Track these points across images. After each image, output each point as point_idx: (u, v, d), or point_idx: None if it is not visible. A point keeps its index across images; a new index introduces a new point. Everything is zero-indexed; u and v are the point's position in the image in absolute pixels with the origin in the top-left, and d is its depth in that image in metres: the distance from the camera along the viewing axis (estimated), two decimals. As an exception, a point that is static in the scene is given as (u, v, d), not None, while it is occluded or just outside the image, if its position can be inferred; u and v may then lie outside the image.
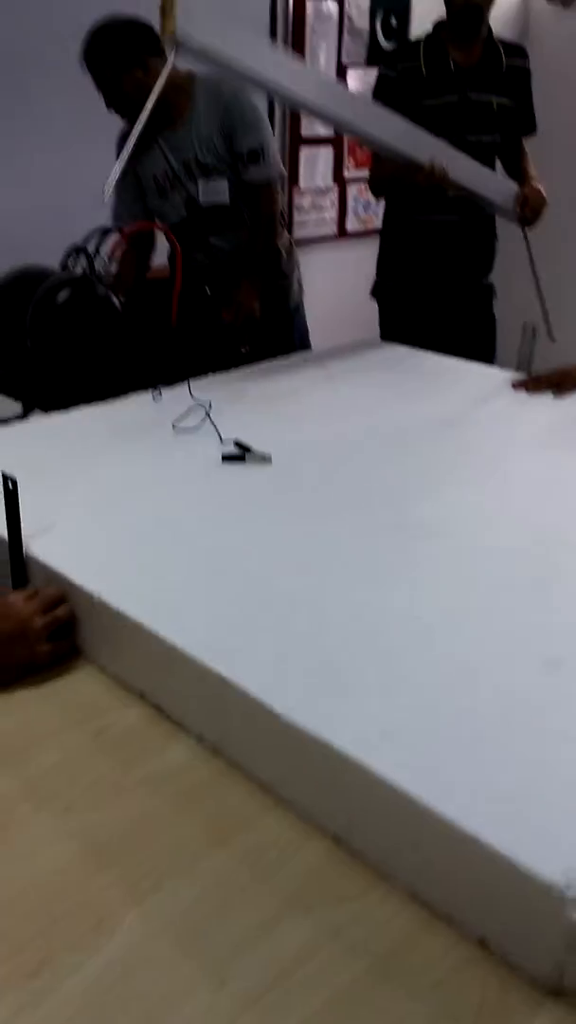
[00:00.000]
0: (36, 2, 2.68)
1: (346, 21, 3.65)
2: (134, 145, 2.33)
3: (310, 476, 1.33)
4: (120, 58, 2.09)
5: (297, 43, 3.51)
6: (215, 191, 2.29)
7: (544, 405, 1.65)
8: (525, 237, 2.25)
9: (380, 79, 2.32)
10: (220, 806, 0.82)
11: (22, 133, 2.75)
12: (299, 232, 3.72)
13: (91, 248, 1.52)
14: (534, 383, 1.72)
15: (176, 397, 1.60)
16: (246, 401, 1.66)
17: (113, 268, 1.53)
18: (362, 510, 1.21)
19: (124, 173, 2.40)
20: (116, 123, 2.24)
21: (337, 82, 2.09)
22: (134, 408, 1.60)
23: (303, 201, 3.74)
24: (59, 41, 2.35)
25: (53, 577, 1.05)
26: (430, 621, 0.95)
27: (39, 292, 1.52)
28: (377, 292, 2.55)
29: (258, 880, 0.74)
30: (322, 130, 3.54)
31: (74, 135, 2.79)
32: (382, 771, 0.72)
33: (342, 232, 3.83)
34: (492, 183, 2.16)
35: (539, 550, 1.09)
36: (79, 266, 1.53)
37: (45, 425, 1.56)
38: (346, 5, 3.63)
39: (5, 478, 1.06)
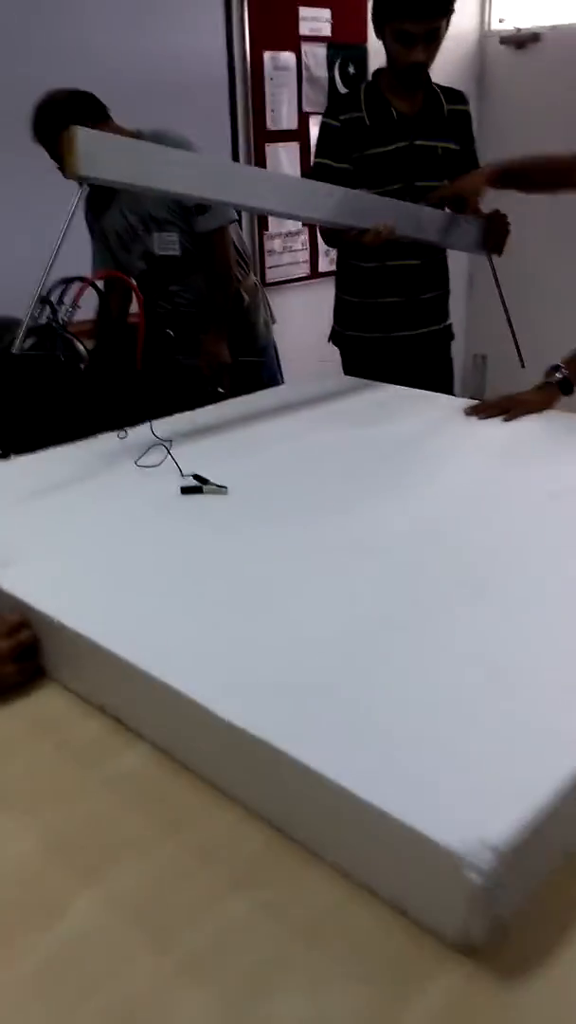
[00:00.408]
0: None
1: (304, 70, 3.82)
2: (97, 205, 2.48)
3: (263, 502, 1.42)
4: (74, 117, 2.23)
5: (256, 93, 3.68)
6: (167, 243, 2.44)
7: (492, 427, 1.75)
8: (492, 266, 2.27)
9: (324, 129, 2.33)
10: (172, 803, 0.89)
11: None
12: (272, 275, 3.86)
13: (55, 297, 1.62)
14: (485, 408, 1.82)
15: (142, 436, 1.69)
16: (208, 437, 1.75)
17: (73, 316, 1.63)
18: (305, 528, 1.30)
19: (92, 230, 2.55)
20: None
21: (265, 172, 2.07)
22: (100, 447, 1.69)
23: (274, 245, 3.89)
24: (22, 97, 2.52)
25: (17, 604, 1.13)
26: (364, 628, 1.03)
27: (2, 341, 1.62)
28: (336, 339, 2.57)
29: (203, 865, 0.81)
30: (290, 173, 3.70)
31: (47, 188, 2.92)
32: (311, 763, 0.79)
33: (314, 272, 3.97)
34: (452, 224, 2.15)
35: (468, 560, 1.18)
36: (44, 315, 1.63)
37: (13, 465, 1.64)
38: (303, 55, 3.80)
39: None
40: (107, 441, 1.73)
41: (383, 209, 1.97)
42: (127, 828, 0.86)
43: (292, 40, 3.75)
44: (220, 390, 2.36)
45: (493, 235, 2.22)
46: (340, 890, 0.78)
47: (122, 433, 1.75)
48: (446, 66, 4.37)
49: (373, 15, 2.20)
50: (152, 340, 2.03)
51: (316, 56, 3.85)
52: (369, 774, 0.77)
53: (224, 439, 1.74)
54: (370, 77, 2.41)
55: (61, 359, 1.71)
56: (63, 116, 2.21)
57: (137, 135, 2.38)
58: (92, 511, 1.41)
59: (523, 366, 2.09)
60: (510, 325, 2.17)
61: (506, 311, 2.18)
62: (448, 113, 2.34)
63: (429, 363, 2.45)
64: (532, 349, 2.10)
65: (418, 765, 0.79)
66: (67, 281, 1.65)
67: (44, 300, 1.61)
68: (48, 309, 1.62)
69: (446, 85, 2.39)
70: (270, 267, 3.83)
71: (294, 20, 3.71)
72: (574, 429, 1.70)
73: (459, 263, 2.46)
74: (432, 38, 2.15)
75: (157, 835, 0.85)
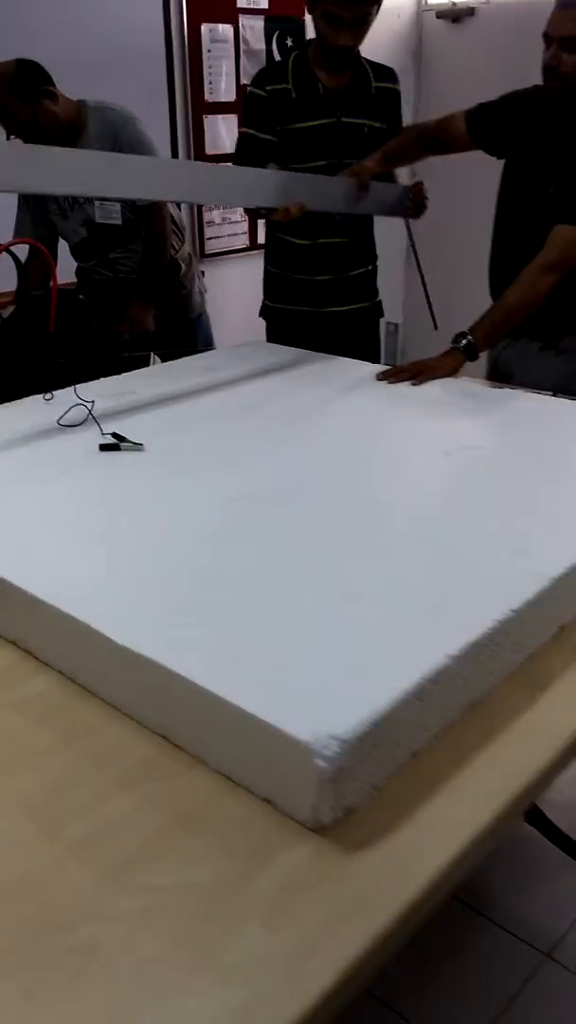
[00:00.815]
0: None
1: (242, 43, 3.86)
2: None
3: (174, 457, 1.51)
4: (31, 95, 2.30)
5: (194, 66, 3.72)
6: (108, 212, 2.49)
7: (400, 390, 1.85)
8: (408, 229, 2.33)
9: (249, 98, 2.33)
10: (72, 720, 0.99)
11: None
12: (212, 246, 3.91)
13: None
14: (395, 373, 1.92)
15: (67, 399, 1.77)
16: (129, 398, 1.83)
17: None
18: (208, 478, 1.40)
19: (26, 197, 2.59)
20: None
21: (162, 160, 2.08)
22: (25, 410, 1.77)
23: (213, 216, 3.94)
24: None
25: None
26: (244, 560, 1.13)
27: None
28: (264, 313, 2.60)
29: (97, 769, 0.91)
30: (229, 146, 3.75)
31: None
32: (189, 675, 0.90)
33: (253, 244, 4.03)
34: (377, 193, 2.16)
35: (353, 507, 1.29)
36: None
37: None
38: (240, 27, 3.84)
39: None
40: (33, 402, 1.80)
41: (297, 185, 1.97)
42: (31, 741, 0.96)
43: (230, 12, 3.79)
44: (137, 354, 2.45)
45: (412, 201, 2.26)
46: (216, 786, 0.88)
47: (48, 396, 1.83)
48: (383, 40, 4.49)
49: None
50: (68, 306, 2.10)
51: (254, 28, 3.89)
52: (237, 682, 0.88)
53: (146, 401, 1.82)
54: (297, 49, 2.38)
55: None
56: (24, 84, 2.29)
57: (80, 105, 2.44)
58: (12, 465, 1.49)
59: (436, 327, 2.18)
60: (424, 288, 2.25)
61: (421, 274, 2.26)
62: (376, 91, 2.34)
63: (356, 339, 2.47)
64: (443, 316, 2.20)
65: (280, 674, 0.90)
66: None
67: None
68: None
69: (377, 62, 2.39)
70: (209, 238, 3.89)
71: (231, -8, 3.74)
72: (473, 393, 1.82)
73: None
74: (360, 23, 2.16)
75: (57, 746, 0.95)
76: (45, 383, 1.79)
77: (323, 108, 2.29)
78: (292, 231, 2.36)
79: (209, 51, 3.79)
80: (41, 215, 2.60)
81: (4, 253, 1.76)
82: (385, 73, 2.39)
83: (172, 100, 3.67)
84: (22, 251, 2.30)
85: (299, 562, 1.13)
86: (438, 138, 2.13)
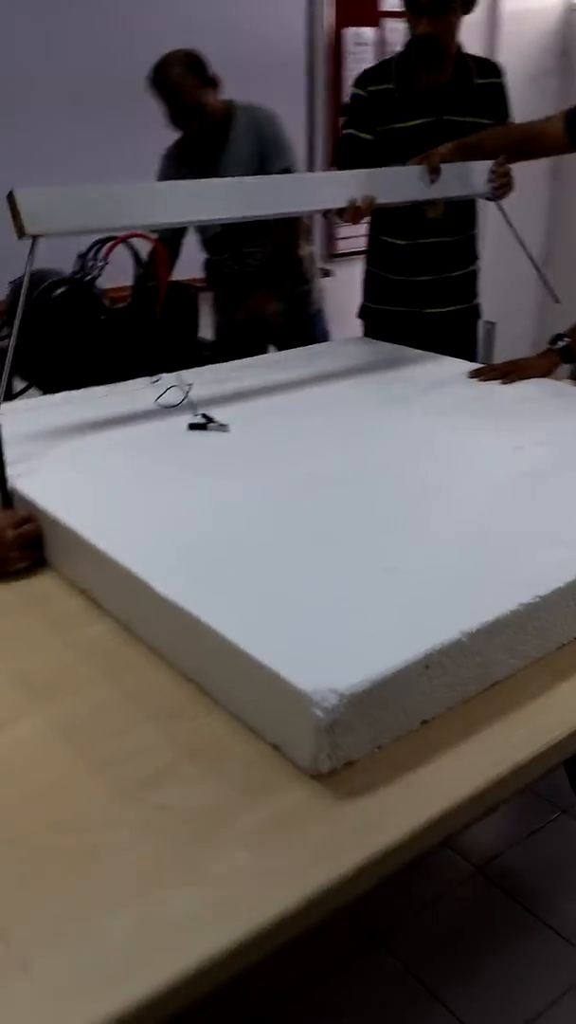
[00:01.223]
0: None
1: (384, 45, 3.91)
2: (181, 162, 2.65)
3: (257, 439, 1.59)
4: (201, 80, 2.47)
5: (335, 69, 3.80)
6: None
7: (491, 388, 1.87)
8: (502, 210, 2.20)
9: (352, 99, 2.30)
10: (120, 663, 1.09)
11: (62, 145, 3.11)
12: (342, 246, 3.99)
13: (91, 254, 1.85)
14: (487, 371, 1.94)
15: (171, 382, 1.89)
16: (230, 384, 1.93)
17: (102, 270, 1.84)
18: (284, 461, 1.47)
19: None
20: (136, 143, 2.62)
21: (215, 181, 1.90)
22: (131, 389, 1.90)
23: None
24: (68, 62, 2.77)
25: (27, 503, 1.34)
26: (299, 537, 1.20)
27: (39, 288, 1.85)
28: (363, 314, 2.59)
29: (132, 703, 1.00)
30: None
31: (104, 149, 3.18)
32: (215, 624, 0.98)
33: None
34: (461, 173, 2.07)
35: (412, 491, 1.33)
36: (83, 270, 1.85)
37: (54, 398, 1.87)
38: (383, 29, 3.89)
39: (-6, 425, 1.36)
40: (139, 385, 1.93)
41: (363, 180, 1.92)
42: (81, 676, 1.06)
43: (373, 15, 3.85)
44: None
45: (495, 181, 2.11)
46: (232, 729, 0.96)
47: (155, 378, 1.95)
48: (529, 39, 4.43)
49: None
50: (178, 298, 2.22)
51: (397, 29, 3.93)
52: (257, 635, 0.95)
53: (245, 388, 1.92)
54: (403, 48, 2.29)
55: (101, 303, 1.94)
56: (196, 69, 2.45)
57: (229, 103, 2.58)
58: (106, 437, 1.61)
59: (557, 301, 2.08)
60: (533, 263, 2.15)
61: (525, 249, 2.15)
62: (478, 87, 2.27)
63: (453, 340, 2.41)
64: (541, 319, 2.17)
65: (299, 631, 0.97)
66: (102, 242, 1.86)
67: (83, 255, 1.83)
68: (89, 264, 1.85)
69: (481, 56, 2.33)
70: (339, 238, 3.97)
71: (377, -4, 3.80)
72: (563, 392, 1.81)
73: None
74: (438, 10, 2.08)
75: (101, 682, 1.05)
76: (153, 368, 1.92)
77: (424, 107, 2.24)
78: (392, 232, 2.37)
79: (352, 54, 3.87)
80: None
81: (123, 246, 1.90)
82: (488, 68, 2.31)
83: (311, 102, 3.76)
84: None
85: (345, 538, 1.19)
86: (529, 138, 2.08)
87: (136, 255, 2.06)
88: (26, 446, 1.52)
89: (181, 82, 2.44)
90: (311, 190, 1.93)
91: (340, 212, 1.88)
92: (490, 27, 4.36)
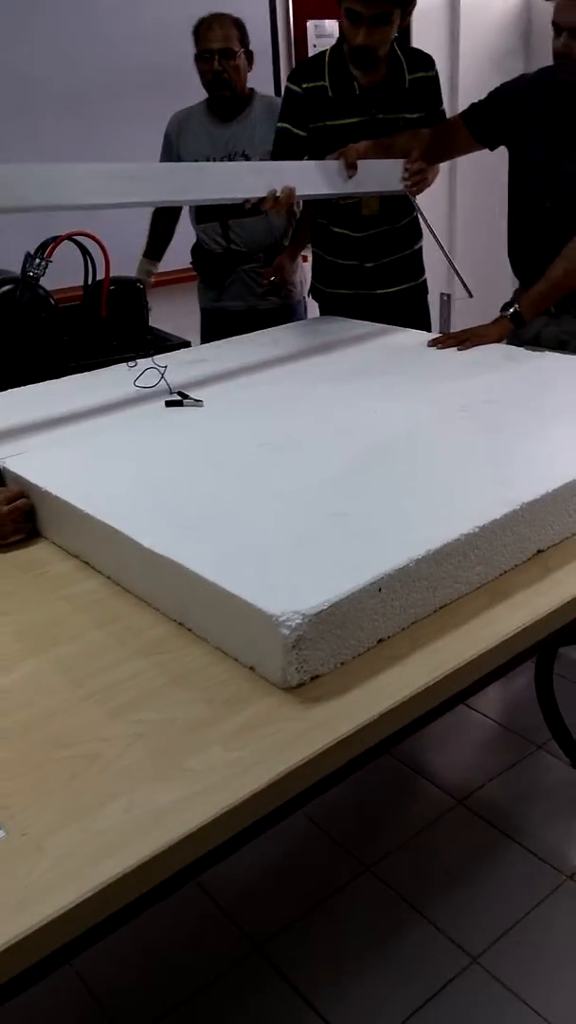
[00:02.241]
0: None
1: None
2: (181, 125, 2.78)
3: (227, 411, 1.72)
4: (245, 47, 2.64)
5: (299, 62, 3.91)
6: None
7: (447, 355, 1.99)
8: (414, 205, 2.32)
9: (287, 95, 2.34)
10: (109, 611, 1.21)
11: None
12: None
13: (34, 252, 1.99)
14: (444, 339, 2.06)
15: (145, 366, 2.01)
16: (202, 363, 2.05)
17: (45, 268, 1.98)
18: (250, 428, 1.59)
19: (169, 150, 2.83)
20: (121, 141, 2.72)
21: (144, 166, 1.88)
22: (109, 375, 2.02)
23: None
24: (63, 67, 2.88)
25: (18, 480, 1.46)
26: (261, 493, 1.32)
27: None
28: (316, 296, 2.66)
29: (119, 644, 1.13)
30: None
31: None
32: (194, 567, 1.10)
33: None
34: (376, 170, 2.13)
35: (367, 443, 1.46)
36: (32, 269, 2.00)
37: (37, 386, 1.99)
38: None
39: (-16, 411, 1.48)
40: (117, 371, 2.05)
41: (282, 172, 1.97)
42: (72, 624, 1.19)
43: (335, 8, 3.95)
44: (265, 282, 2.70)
45: (409, 175, 2.20)
46: (211, 658, 1.08)
47: (132, 363, 2.08)
48: (492, 20, 4.54)
49: None
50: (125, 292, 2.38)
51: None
52: (229, 572, 1.08)
53: (211, 366, 2.04)
54: (335, 42, 2.31)
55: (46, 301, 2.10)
56: (241, 29, 2.64)
57: (251, 93, 2.75)
58: (87, 417, 1.74)
59: (471, 295, 2.22)
60: (448, 259, 2.28)
61: (440, 245, 2.28)
62: (411, 83, 2.29)
63: (406, 317, 2.48)
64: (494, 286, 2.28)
65: (264, 567, 1.09)
66: (50, 240, 2.00)
67: (29, 255, 1.98)
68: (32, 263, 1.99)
69: (412, 48, 2.36)
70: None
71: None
72: (512, 356, 1.93)
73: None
74: (380, 22, 2.09)
75: (91, 628, 1.17)
76: (102, 362, 2.07)
77: (359, 106, 2.26)
78: (342, 223, 2.43)
79: (315, 46, 3.97)
80: None
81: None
82: (420, 61, 2.31)
83: (278, 95, 3.87)
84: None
85: (301, 492, 1.31)
86: (439, 142, 2.22)
87: (85, 254, 2.19)
88: (11, 430, 1.64)
89: (225, 29, 2.61)
90: (236, 179, 1.97)
91: (261, 201, 1.94)
92: (451, 9, 4.47)
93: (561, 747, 2.13)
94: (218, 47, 2.61)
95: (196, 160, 2.73)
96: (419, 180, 2.21)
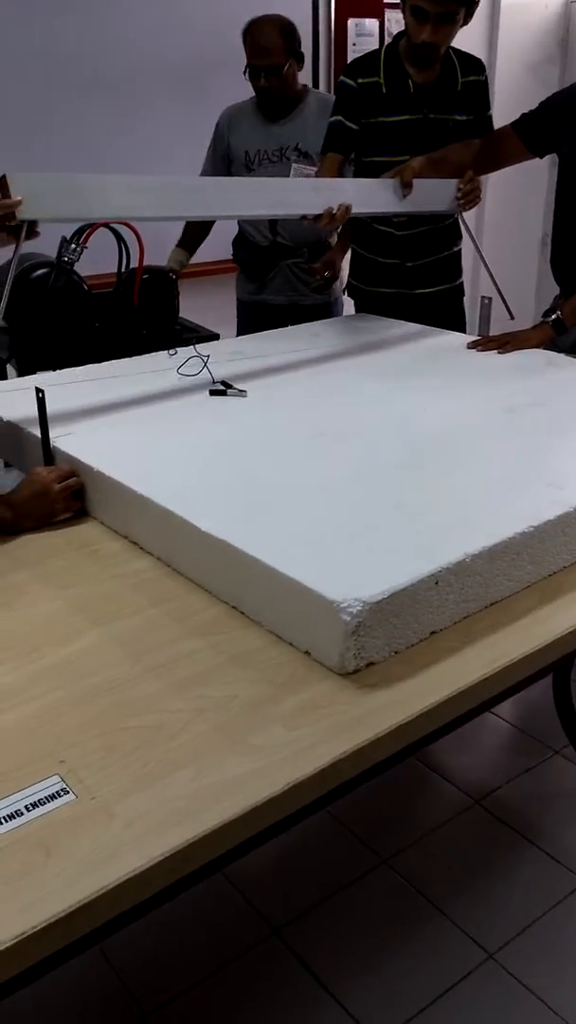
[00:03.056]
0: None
1: (387, 36, 4.04)
2: (232, 119, 2.80)
3: (271, 403, 1.74)
4: (287, 47, 2.65)
5: (339, 59, 3.92)
6: (305, 175, 2.68)
7: (487, 357, 2.01)
8: (464, 224, 2.38)
9: (340, 88, 2.36)
10: (162, 590, 1.24)
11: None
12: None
13: (73, 239, 2.02)
14: (484, 342, 2.08)
15: (187, 355, 2.03)
16: (242, 355, 2.07)
17: (80, 254, 2.01)
18: (296, 419, 1.63)
19: (215, 145, 2.85)
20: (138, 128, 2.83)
21: (206, 180, 2.05)
22: (151, 362, 2.04)
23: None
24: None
25: (70, 460, 1.49)
26: (315, 481, 1.34)
27: (20, 271, 2.01)
28: (351, 292, 2.68)
29: (176, 622, 1.15)
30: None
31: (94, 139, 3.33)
32: (253, 552, 1.12)
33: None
34: (423, 189, 2.17)
35: (419, 442, 1.48)
36: (67, 254, 2.03)
37: (82, 369, 2.01)
38: (385, 20, 4.02)
39: (37, 390, 1.50)
40: (158, 358, 2.07)
41: (339, 189, 2.01)
42: (127, 601, 1.21)
43: (376, 6, 3.97)
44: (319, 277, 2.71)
45: (461, 195, 2.26)
46: (266, 639, 1.11)
47: (172, 351, 2.10)
48: (531, 28, 4.56)
49: None
50: (158, 282, 2.42)
51: (400, 21, 4.05)
52: (290, 558, 1.10)
53: (251, 358, 2.05)
54: (391, 39, 2.36)
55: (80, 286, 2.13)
56: (283, 27, 2.64)
57: (305, 87, 2.78)
58: (133, 402, 1.76)
59: (512, 318, 2.27)
60: (493, 280, 2.32)
61: (487, 267, 2.32)
62: (463, 85, 2.34)
63: (441, 317, 2.50)
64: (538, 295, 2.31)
65: (325, 554, 1.12)
66: (84, 227, 2.03)
67: (64, 240, 2.00)
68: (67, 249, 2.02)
69: (464, 52, 2.39)
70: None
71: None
72: (555, 362, 1.95)
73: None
74: (445, 20, 2.13)
75: (147, 606, 1.20)
76: (133, 349, 2.08)
77: (411, 104, 2.30)
78: (386, 222, 2.43)
79: (354, 44, 3.99)
80: (226, 167, 2.83)
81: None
82: (472, 65, 2.37)
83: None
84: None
85: (359, 482, 1.34)
86: (489, 152, 2.25)
87: (120, 241, 2.21)
88: (60, 412, 1.66)
89: (270, 42, 2.62)
90: (294, 195, 2.00)
91: (317, 218, 1.97)
92: (490, 16, 4.49)
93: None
94: (264, 64, 2.62)
95: (247, 151, 2.76)
96: (471, 199, 2.27)
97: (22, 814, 0.84)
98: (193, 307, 2.81)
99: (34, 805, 0.85)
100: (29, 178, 1.48)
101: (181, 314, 2.63)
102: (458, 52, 2.36)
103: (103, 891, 0.76)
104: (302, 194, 2.00)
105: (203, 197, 1.86)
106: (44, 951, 0.74)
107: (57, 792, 0.86)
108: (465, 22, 2.21)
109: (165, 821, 0.82)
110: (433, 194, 2.22)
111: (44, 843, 0.80)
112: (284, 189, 2.04)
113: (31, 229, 1.52)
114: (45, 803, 0.85)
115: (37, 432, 1.54)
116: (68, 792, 0.86)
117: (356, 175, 2.48)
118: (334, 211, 1.96)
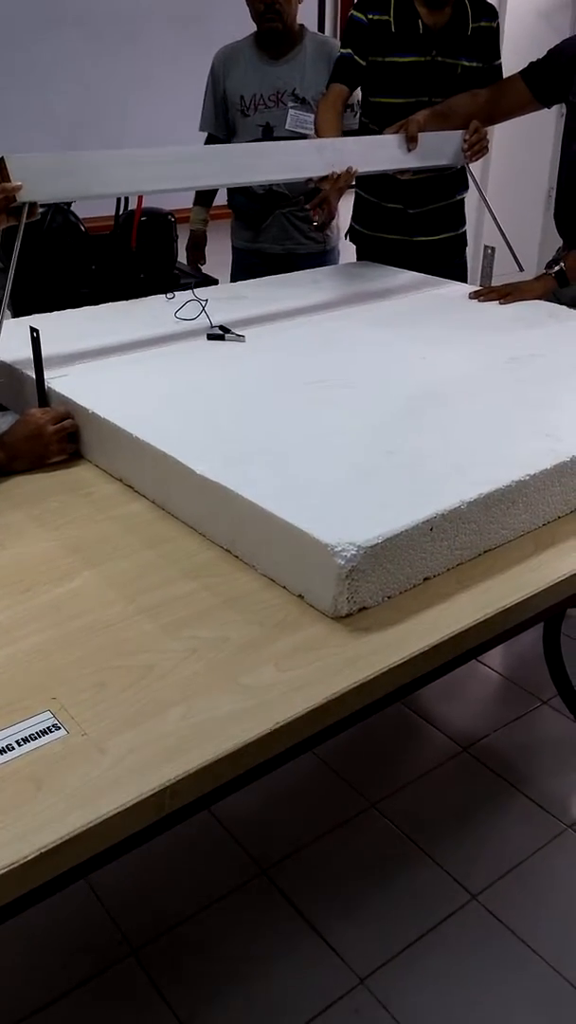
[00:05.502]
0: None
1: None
2: (228, 62, 2.71)
3: (268, 347, 1.72)
4: None
5: (345, 6, 3.82)
6: (302, 122, 2.63)
7: (489, 307, 1.99)
8: (471, 175, 2.36)
9: (350, 23, 2.33)
10: (156, 532, 1.23)
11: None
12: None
13: None
14: (486, 292, 2.06)
15: (185, 299, 2.00)
16: (240, 300, 2.05)
17: None
18: (295, 364, 1.61)
19: (214, 88, 2.77)
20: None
21: (201, 149, 1.99)
22: (147, 305, 2.01)
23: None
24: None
25: (64, 401, 1.47)
26: (311, 428, 1.33)
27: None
28: (353, 236, 2.64)
29: (170, 564, 1.15)
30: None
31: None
32: (250, 496, 1.12)
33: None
34: (429, 143, 2.15)
35: (417, 390, 1.47)
36: None
37: (81, 312, 1.98)
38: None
39: (32, 329, 1.48)
40: (156, 301, 2.04)
41: (343, 148, 1.98)
42: (122, 543, 1.21)
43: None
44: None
45: (468, 145, 2.22)
46: (260, 582, 1.11)
47: (170, 295, 2.07)
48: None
49: None
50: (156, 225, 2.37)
51: None
52: (285, 502, 1.09)
53: (250, 302, 2.03)
54: None
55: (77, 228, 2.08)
56: None
57: (302, 27, 2.68)
58: (131, 345, 1.73)
59: (521, 269, 2.24)
60: (500, 231, 2.28)
61: (496, 222, 2.29)
62: (473, 30, 2.29)
63: (443, 266, 2.48)
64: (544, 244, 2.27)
65: (320, 499, 1.11)
66: None
67: None
68: None
69: None
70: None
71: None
72: (556, 314, 1.93)
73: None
74: None
75: (141, 548, 1.19)
76: (131, 292, 2.06)
77: (420, 45, 2.27)
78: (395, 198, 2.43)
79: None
80: (224, 111, 2.77)
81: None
82: (484, 9, 2.33)
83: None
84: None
85: (356, 429, 1.33)
86: (496, 102, 2.19)
87: None
88: (55, 354, 1.63)
89: None
90: (297, 158, 1.96)
91: (322, 179, 1.96)
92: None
93: (566, 703, 2.18)
94: None
95: (243, 95, 2.68)
96: (477, 149, 2.23)
97: (13, 748, 0.84)
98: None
99: (25, 740, 0.85)
100: (28, 159, 1.48)
101: (178, 259, 2.59)
102: None
103: (92, 824, 0.77)
104: (306, 156, 1.96)
105: (204, 167, 1.83)
106: (32, 882, 0.75)
107: (48, 728, 0.87)
108: None
109: (155, 758, 0.83)
110: (439, 147, 2.18)
111: (35, 777, 0.81)
112: (287, 152, 1.99)
113: (31, 209, 1.51)
114: (36, 738, 0.85)
115: (31, 373, 1.52)
116: (59, 728, 0.87)
117: (363, 113, 2.44)
118: (338, 173, 1.94)
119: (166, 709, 0.89)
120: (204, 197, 2.91)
